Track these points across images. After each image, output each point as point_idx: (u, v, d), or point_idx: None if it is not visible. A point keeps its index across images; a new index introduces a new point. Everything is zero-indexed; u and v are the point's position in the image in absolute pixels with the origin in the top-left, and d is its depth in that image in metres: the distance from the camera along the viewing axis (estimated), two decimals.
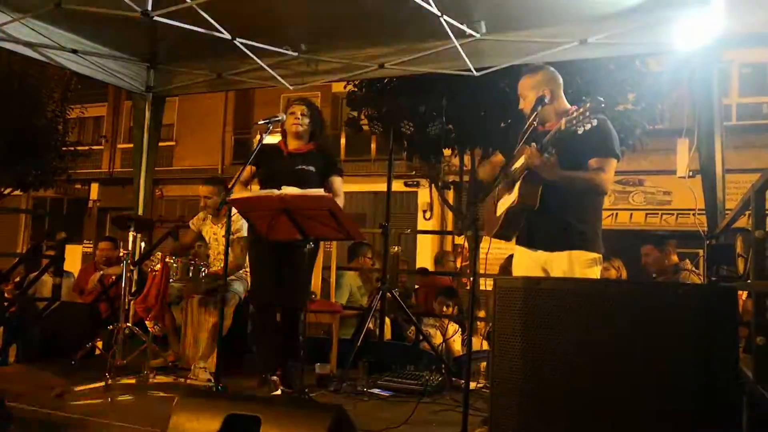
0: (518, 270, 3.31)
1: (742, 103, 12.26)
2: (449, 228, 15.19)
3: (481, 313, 6.18)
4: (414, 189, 15.08)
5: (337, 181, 3.98)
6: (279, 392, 3.77)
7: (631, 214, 13.62)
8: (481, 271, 7.85)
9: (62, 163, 14.26)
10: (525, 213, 3.11)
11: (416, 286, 7.36)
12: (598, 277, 3.15)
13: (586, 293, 2.08)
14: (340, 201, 3.70)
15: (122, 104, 19.78)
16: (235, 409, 2.11)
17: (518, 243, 3.34)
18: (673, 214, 13.19)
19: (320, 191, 3.21)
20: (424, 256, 14.48)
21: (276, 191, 3.14)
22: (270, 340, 3.90)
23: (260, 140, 3.80)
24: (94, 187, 20.00)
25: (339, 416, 2.08)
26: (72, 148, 14.60)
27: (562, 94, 3.31)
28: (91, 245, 18.48)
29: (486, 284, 8.25)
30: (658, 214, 13.38)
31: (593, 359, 2.05)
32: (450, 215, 15.03)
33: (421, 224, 15.30)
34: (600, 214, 3.23)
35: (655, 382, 1.97)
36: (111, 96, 19.68)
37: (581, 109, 2.73)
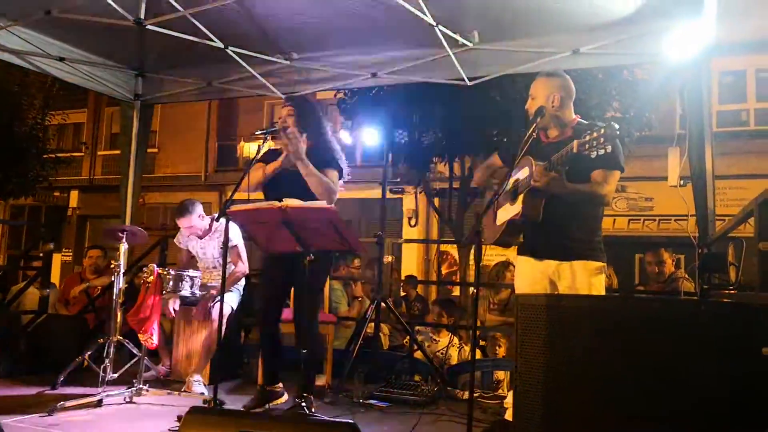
0: (523, 280, 3.30)
1: (722, 111, 12.48)
2: (434, 234, 15.21)
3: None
4: (399, 195, 15.06)
5: (329, 174, 3.69)
6: (284, 399, 3.73)
7: (614, 220, 13.74)
8: (471, 279, 7.92)
9: (43, 170, 14.08)
10: (526, 225, 3.13)
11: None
12: (603, 285, 3.16)
13: (608, 309, 2.10)
14: (334, 196, 3.62)
15: (103, 111, 19.58)
16: (245, 427, 2.07)
17: (522, 253, 3.34)
18: (655, 220, 13.34)
19: (322, 203, 3.18)
20: (410, 263, 14.49)
21: (277, 203, 3.10)
22: (273, 354, 3.83)
23: (260, 147, 3.70)
24: (74, 195, 19.73)
25: None
26: (53, 156, 14.42)
27: (571, 104, 3.31)
28: (71, 254, 18.25)
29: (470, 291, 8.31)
30: (640, 219, 13.52)
31: (616, 374, 2.06)
32: (436, 222, 15.05)
33: (407, 231, 15.29)
34: (600, 223, 3.26)
35: (676, 399, 1.97)
36: (91, 102, 19.46)
37: (595, 134, 2.72)
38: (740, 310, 2.09)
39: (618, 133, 2.70)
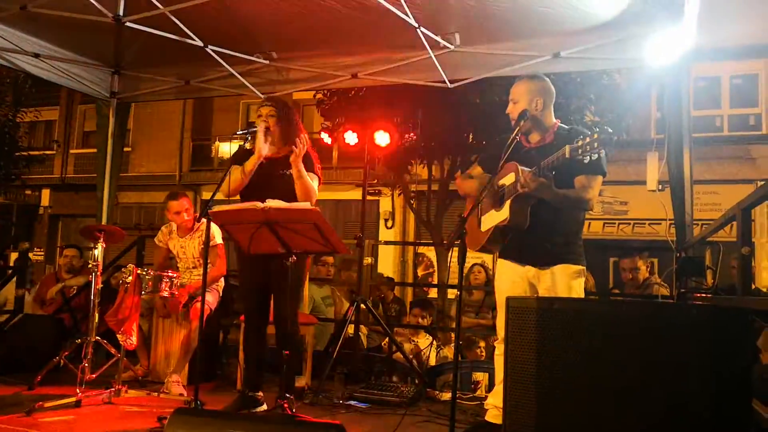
0: (503, 283, 3.32)
1: (696, 116, 12.68)
2: (411, 236, 15.23)
3: (453, 324, 6.20)
4: (376, 197, 15.06)
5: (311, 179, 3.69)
6: (264, 408, 3.70)
7: (589, 224, 13.89)
8: (448, 281, 7.94)
9: (14, 168, 13.84)
10: (512, 231, 3.13)
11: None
12: (583, 288, 3.19)
13: (601, 313, 2.11)
14: (314, 201, 3.60)
15: (75, 108, 19.28)
16: (231, 428, 2.05)
17: (503, 257, 3.35)
18: (629, 224, 13.51)
19: (306, 204, 3.16)
20: (386, 264, 14.48)
21: (260, 204, 3.08)
22: (256, 356, 3.80)
23: (241, 147, 3.69)
24: (45, 193, 19.39)
25: None
26: (25, 153, 14.17)
27: (552, 107, 3.32)
28: (43, 253, 17.93)
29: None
30: (615, 223, 13.68)
31: (607, 379, 2.07)
32: (412, 224, 15.08)
33: (383, 233, 15.29)
34: (582, 228, 3.28)
35: (666, 405, 1.99)
36: (64, 100, 19.15)
37: (588, 139, 2.73)
38: (735, 314, 2.10)
39: (613, 138, 2.70)
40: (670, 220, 4.14)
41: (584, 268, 3.20)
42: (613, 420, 2.05)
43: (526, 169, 2.98)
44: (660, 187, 4.36)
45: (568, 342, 2.11)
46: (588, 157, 2.73)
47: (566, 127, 3.32)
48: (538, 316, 2.17)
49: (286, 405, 3.20)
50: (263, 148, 3.62)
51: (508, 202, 3.08)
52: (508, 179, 3.11)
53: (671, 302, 3.94)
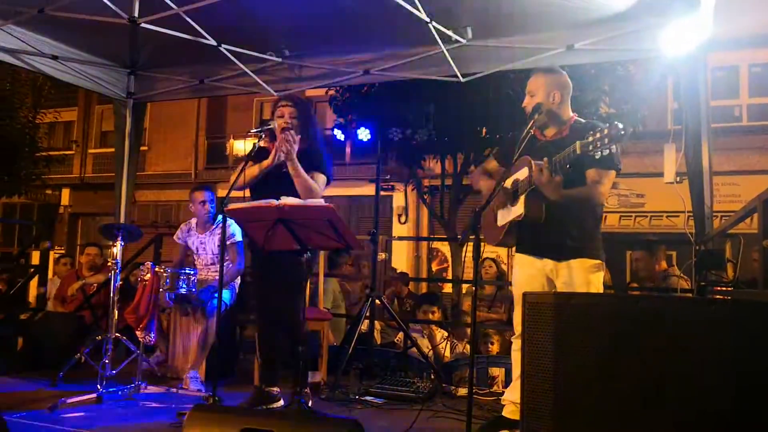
0: (521, 278, 3.31)
1: (714, 107, 12.49)
2: (425, 232, 15.21)
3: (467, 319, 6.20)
4: (389, 193, 15.04)
5: (317, 177, 3.70)
6: (281, 403, 3.73)
7: (606, 217, 13.76)
8: (463, 276, 7.94)
9: (35, 168, 14.04)
10: (529, 225, 3.12)
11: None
12: (601, 282, 3.16)
13: (618, 308, 2.07)
14: (318, 197, 3.57)
15: (93, 109, 19.47)
16: (249, 424, 2.07)
17: (520, 251, 3.34)
18: (646, 217, 13.37)
19: (320, 201, 3.17)
20: (400, 260, 14.47)
21: (275, 201, 3.10)
22: (271, 353, 3.83)
23: (255, 145, 3.70)
24: (65, 193, 19.62)
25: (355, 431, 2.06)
26: (45, 154, 14.38)
27: (569, 101, 3.30)
28: (64, 251, 18.16)
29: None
30: (631, 216, 13.54)
31: (625, 375, 2.04)
32: (426, 219, 15.05)
33: (396, 228, 15.27)
34: (600, 221, 3.25)
35: (686, 402, 1.96)
36: (81, 101, 19.35)
37: (598, 134, 2.69)
38: (757, 308, 2.04)
39: (623, 133, 2.65)
40: (688, 212, 4.09)
41: (602, 262, 3.17)
42: (632, 416, 2.02)
43: (539, 163, 2.96)
44: (678, 179, 4.31)
45: (586, 337, 2.08)
46: (599, 152, 2.70)
47: (582, 120, 3.30)
48: (556, 312, 2.14)
49: (301, 400, 3.22)
50: (293, 151, 3.59)
51: (522, 197, 3.06)
52: (522, 174, 3.09)
53: (690, 296, 3.90)
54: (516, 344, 3.31)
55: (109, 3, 4.16)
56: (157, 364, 4.69)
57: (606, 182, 3.09)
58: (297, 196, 3.44)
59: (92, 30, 4.69)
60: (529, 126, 3.11)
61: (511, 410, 3.30)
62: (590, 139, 2.72)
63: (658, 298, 3.64)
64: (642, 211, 13.31)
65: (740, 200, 11.89)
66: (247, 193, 3.71)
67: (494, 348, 5.25)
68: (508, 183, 3.17)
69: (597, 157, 2.74)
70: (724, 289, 3.55)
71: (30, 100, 13.83)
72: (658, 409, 2.00)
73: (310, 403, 3.51)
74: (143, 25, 4.36)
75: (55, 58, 5.13)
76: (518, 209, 3.09)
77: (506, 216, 3.19)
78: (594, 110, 7.09)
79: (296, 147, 3.60)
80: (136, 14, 4.30)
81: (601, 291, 3.20)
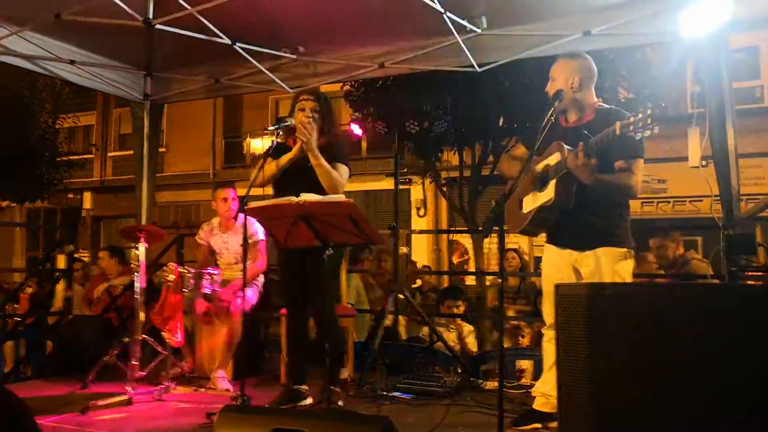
0: (548, 268, 3.29)
1: (735, 88, 12.22)
2: (444, 224, 15.16)
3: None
4: (407, 186, 14.99)
5: (340, 169, 3.71)
6: (309, 401, 3.74)
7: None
8: (485, 268, 7.89)
9: (56, 173, 14.23)
10: (557, 212, 3.08)
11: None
12: (629, 271, 3.11)
13: (652, 298, 2.01)
14: (340, 190, 3.62)
15: (111, 112, 19.67)
16: (279, 424, 2.06)
17: (548, 241, 3.31)
18: (669, 202, 13.19)
19: (341, 197, 3.16)
20: (420, 253, 14.44)
21: (294, 198, 3.10)
22: (299, 350, 3.83)
23: (273, 141, 3.71)
24: (87, 196, 19.90)
25: (386, 429, 2.04)
26: (66, 158, 14.57)
27: (592, 87, 3.25)
28: (88, 254, 18.39)
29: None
30: (653, 202, 13.36)
31: (660, 363, 2.00)
32: (445, 211, 14.99)
33: (415, 221, 15.24)
34: (627, 207, 3.20)
35: (723, 392, 1.91)
36: (99, 104, 19.56)
37: (640, 115, 2.63)
38: None
39: (665, 112, 2.62)
40: (715, 196, 4.02)
41: (630, 250, 3.12)
42: (670, 407, 1.98)
43: (571, 148, 2.92)
44: (704, 162, 4.24)
45: (622, 328, 2.03)
46: (640, 133, 2.64)
47: (606, 106, 3.26)
48: (589, 304, 2.10)
49: (330, 398, 3.22)
50: (312, 140, 3.61)
51: (552, 182, 3.02)
52: (552, 159, 3.06)
53: (725, 283, 3.80)
54: (547, 335, 3.27)
55: (123, 5, 4.18)
56: (188, 372, 4.71)
57: (637, 172, 3.03)
58: (320, 189, 3.43)
59: (108, 33, 4.71)
60: (549, 114, 3.07)
61: (542, 402, 3.27)
62: (632, 120, 2.67)
63: (692, 285, 3.58)
64: (665, 196, 13.13)
65: (764, 182, 11.68)
66: (268, 190, 3.73)
67: (525, 341, 5.21)
68: (538, 168, 3.14)
69: (637, 137, 2.68)
70: (756, 274, 3.48)
71: (49, 105, 13.99)
72: (696, 399, 1.96)
73: (340, 402, 3.50)
74: (158, 26, 4.38)
75: (72, 62, 5.17)
76: (548, 194, 3.05)
77: (534, 202, 3.15)
78: (613, 96, 7.00)
79: (315, 136, 3.60)
80: (151, 16, 4.32)
81: (629, 280, 3.14)
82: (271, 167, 3.73)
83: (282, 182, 3.73)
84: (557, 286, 2.29)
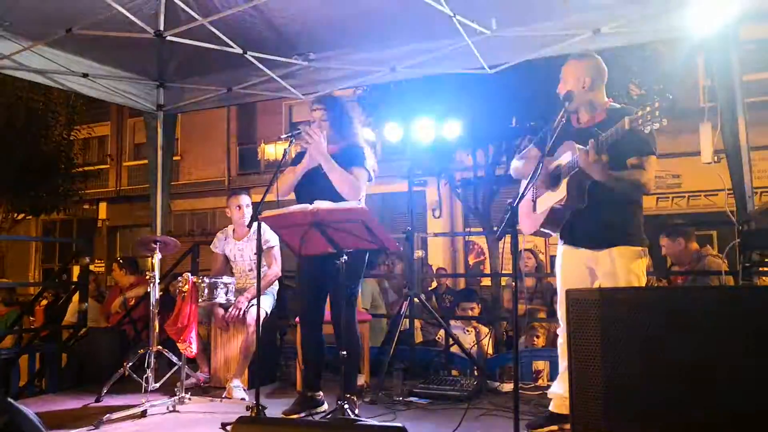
0: (562, 268, 3.27)
1: (746, 81, 12.08)
2: (459, 226, 15.11)
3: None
4: (421, 188, 14.96)
5: (356, 172, 3.67)
6: (324, 408, 3.74)
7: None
8: (501, 270, 7.85)
9: (72, 184, 14.36)
10: (569, 211, 3.06)
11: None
12: (644, 270, 3.08)
13: (665, 301, 2.00)
14: (359, 193, 3.61)
15: (125, 122, 19.84)
16: None
17: (562, 241, 3.30)
18: (684, 197, 13.07)
19: (353, 203, 3.16)
20: (436, 255, 14.41)
21: (309, 206, 3.10)
22: (314, 357, 3.83)
23: (285, 151, 3.72)
24: (103, 207, 20.05)
25: None
26: (81, 169, 14.71)
27: (603, 87, 3.24)
28: (103, 265, 18.55)
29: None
30: (669, 197, 13.24)
31: (672, 368, 1.98)
32: (460, 212, 14.95)
33: (431, 223, 15.21)
34: (640, 206, 3.18)
35: (736, 396, 1.89)
36: (114, 114, 19.73)
37: (648, 108, 2.62)
38: None
39: (672, 104, 2.61)
40: (728, 190, 3.98)
41: (644, 248, 3.10)
42: (684, 409, 1.96)
43: (582, 147, 2.90)
44: (716, 157, 4.19)
45: (634, 333, 2.01)
46: (649, 126, 2.62)
47: (617, 105, 3.24)
48: (601, 309, 2.08)
49: (346, 406, 3.21)
50: (321, 146, 3.62)
51: (565, 181, 3.01)
52: (565, 158, 3.05)
53: (738, 286, 3.74)
54: (562, 336, 3.26)
55: (134, 18, 4.22)
56: (203, 383, 4.72)
57: (649, 169, 3.01)
58: (337, 195, 3.46)
59: (120, 46, 4.76)
60: (560, 115, 3.06)
61: (558, 404, 3.26)
62: (640, 113, 2.66)
63: (705, 288, 3.52)
64: (679, 191, 13.01)
65: None
66: (292, 196, 3.76)
67: (539, 341, 5.17)
68: (550, 168, 3.12)
69: (647, 131, 2.66)
70: None
71: (64, 117, 14.13)
72: (710, 401, 1.94)
73: (356, 410, 3.48)
74: (169, 38, 4.41)
75: (85, 75, 5.22)
76: (560, 193, 3.05)
77: (547, 201, 3.14)
78: (624, 93, 6.95)
79: (324, 143, 3.60)
80: (162, 27, 4.36)
81: (644, 279, 3.11)
82: (290, 176, 3.76)
83: (300, 190, 3.75)
84: (568, 292, 2.27)
